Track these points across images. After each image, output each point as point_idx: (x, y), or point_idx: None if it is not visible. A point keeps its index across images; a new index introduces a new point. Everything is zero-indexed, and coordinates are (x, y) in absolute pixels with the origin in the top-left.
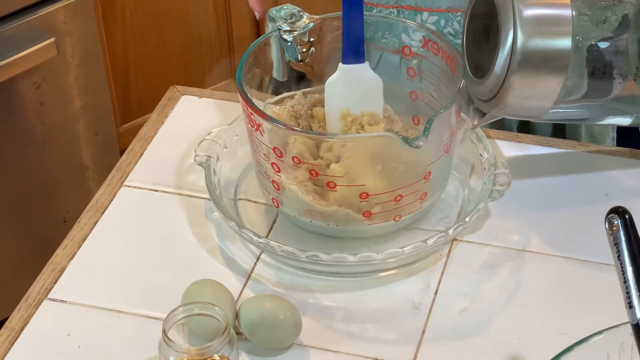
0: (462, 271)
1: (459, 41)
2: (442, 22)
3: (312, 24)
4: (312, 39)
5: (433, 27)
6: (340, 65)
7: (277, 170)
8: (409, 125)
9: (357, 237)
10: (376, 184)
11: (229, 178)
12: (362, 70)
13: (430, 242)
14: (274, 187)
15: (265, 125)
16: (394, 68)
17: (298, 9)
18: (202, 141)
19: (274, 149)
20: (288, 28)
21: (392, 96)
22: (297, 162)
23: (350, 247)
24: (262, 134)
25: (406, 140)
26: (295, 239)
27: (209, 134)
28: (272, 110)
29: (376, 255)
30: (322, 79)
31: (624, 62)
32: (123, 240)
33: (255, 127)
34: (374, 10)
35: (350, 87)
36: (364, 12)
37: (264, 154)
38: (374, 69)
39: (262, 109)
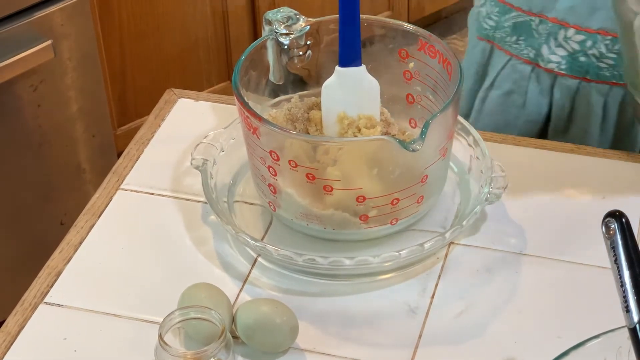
0: (459, 275)
1: (602, 64)
2: (589, 43)
3: (308, 26)
4: (308, 42)
5: (577, 47)
6: (337, 68)
7: (273, 173)
8: (406, 128)
9: (353, 240)
10: (373, 187)
11: (225, 181)
12: (359, 73)
13: (427, 245)
14: (271, 190)
15: (262, 128)
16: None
17: (295, 11)
18: (198, 144)
19: (270, 152)
20: (285, 31)
21: (389, 99)
22: (294, 165)
23: (346, 250)
24: (258, 137)
25: (403, 144)
26: (291, 241)
27: (205, 137)
28: (268, 114)
29: (373, 259)
30: (318, 82)
31: None
32: (119, 244)
33: (252, 130)
34: (512, 14)
35: (347, 90)
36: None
37: (261, 157)
38: (498, 73)
39: (258, 112)
